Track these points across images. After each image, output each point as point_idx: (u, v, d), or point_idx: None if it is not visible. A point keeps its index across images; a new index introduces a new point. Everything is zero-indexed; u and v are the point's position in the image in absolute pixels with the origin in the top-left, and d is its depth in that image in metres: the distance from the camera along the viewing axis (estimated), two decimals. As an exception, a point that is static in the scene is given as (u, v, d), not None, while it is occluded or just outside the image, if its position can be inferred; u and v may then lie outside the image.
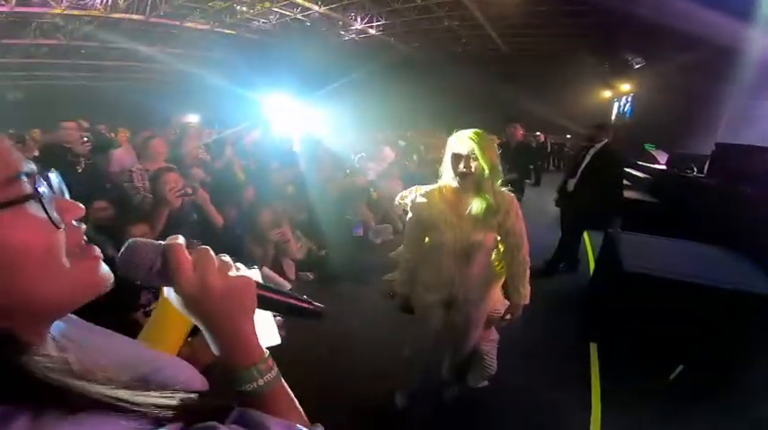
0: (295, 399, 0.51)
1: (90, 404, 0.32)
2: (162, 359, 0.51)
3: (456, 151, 1.67)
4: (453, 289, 1.82)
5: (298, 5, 13.17)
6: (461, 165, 1.64)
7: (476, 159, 1.62)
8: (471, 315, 1.88)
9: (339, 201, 3.97)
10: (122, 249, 0.46)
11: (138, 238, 0.47)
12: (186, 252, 0.46)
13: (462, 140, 1.66)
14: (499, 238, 1.79)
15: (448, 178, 1.72)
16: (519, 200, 4.95)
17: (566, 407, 2.30)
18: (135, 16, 11.35)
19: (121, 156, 3.87)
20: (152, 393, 0.37)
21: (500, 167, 1.70)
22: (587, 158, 3.64)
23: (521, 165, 4.66)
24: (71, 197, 0.42)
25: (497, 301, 2.00)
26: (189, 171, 3.64)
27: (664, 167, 6.73)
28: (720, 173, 4.66)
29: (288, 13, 13.77)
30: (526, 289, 1.82)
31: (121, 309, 1.86)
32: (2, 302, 0.34)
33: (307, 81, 18.66)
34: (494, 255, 1.86)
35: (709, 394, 2.32)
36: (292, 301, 0.54)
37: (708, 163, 5.22)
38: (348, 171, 4.80)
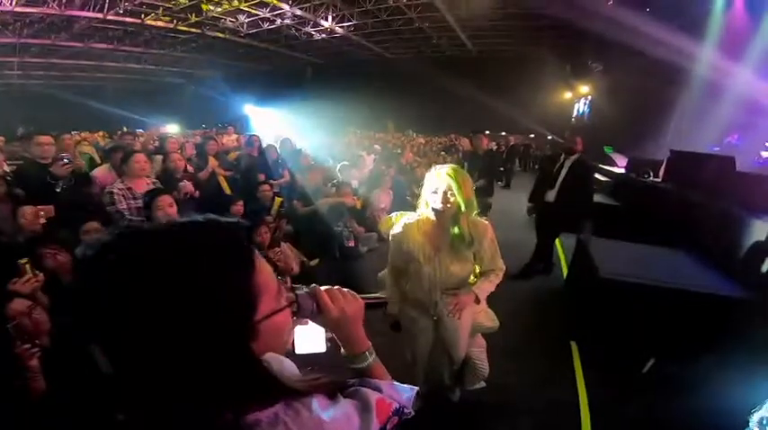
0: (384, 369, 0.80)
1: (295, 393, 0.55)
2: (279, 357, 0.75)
3: (434, 187, 1.78)
4: (438, 309, 1.96)
5: (267, 4, 12.95)
6: (439, 201, 1.75)
7: (453, 195, 1.74)
8: (456, 327, 2.02)
9: (328, 212, 4.05)
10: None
11: (297, 293, 0.69)
12: (327, 295, 0.74)
13: (440, 176, 1.77)
14: (476, 264, 1.94)
15: (426, 211, 1.84)
16: (488, 204, 5.15)
17: (555, 397, 2.56)
18: (92, 14, 10.78)
19: (104, 176, 3.64)
20: (318, 378, 0.63)
21: (475, 201, 1.83)
22: (564, 171, 3.91)
23: (489, 170, 4.96)
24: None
25: (480, 313, 2.16)
26: (177, 185, 3.54)
27: (623, 171, 7.20)
28: (675, 178, 5.11)
29: (257, 12, 13.51)
30: (485, 286, 1.93)
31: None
32: (265, 351, 0.56)
33: (274, 84, 18.37)
34: (472, 276, 2.01)
35: (679, 383, 2.62)
36: (373, 301, 0.85)
37: (663, 169, 5.69)
38: (334, 182, 4.88)
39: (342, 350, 0.79)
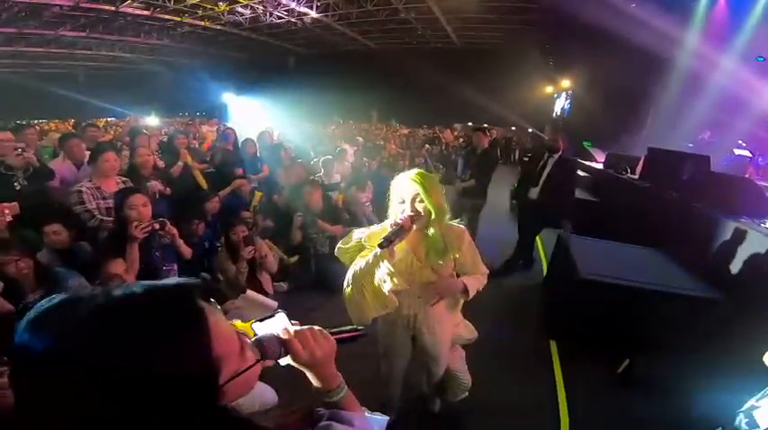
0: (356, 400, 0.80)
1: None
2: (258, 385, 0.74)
3: (400, 196, 1.65)
4: (417, 322, 1.86)
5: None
6: (408, 210, 1.62)
7: (422, 201, 1.61)
8: (436, 341, 1.93)
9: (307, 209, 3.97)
10: (257, 342, 0.68)
11: (263, 336, 0.70)
12: (297, 340, 0.72)
13: (406, 183, 1.63)
14: (456, 270, 1.82)
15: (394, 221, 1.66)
16: (482, 204, 5.02)
17: (534, 395, 2.62)
18: (63, 1, 10.24)
19: (58, 167, 3.38)
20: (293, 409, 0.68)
21: (446, 205, 1.68)
22: (547, 169, 3.92)
23: (484, 170, 4.80)
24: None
25: (459, 324, 2.09)
26: (145, 184, 3.32)
27: (601, 167, 7.25)
28: (651, 176, 5.20)
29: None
30: (472, 281, 1.77)
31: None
32: (234, 399, 0.57)
33: (255, 72, 17.90)
34: None
35: (656, 383, 2.69)
36: (348, 335, 0.84)
37: (640, 166, 5.78)
38: (313, 177, 4.80)
39: (312, 387, 0.79)
